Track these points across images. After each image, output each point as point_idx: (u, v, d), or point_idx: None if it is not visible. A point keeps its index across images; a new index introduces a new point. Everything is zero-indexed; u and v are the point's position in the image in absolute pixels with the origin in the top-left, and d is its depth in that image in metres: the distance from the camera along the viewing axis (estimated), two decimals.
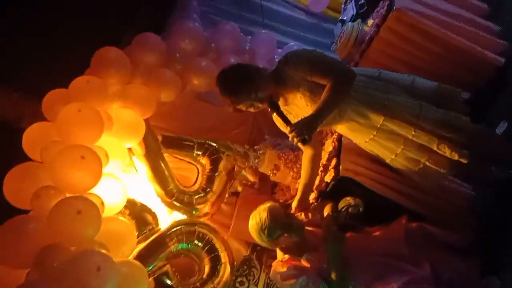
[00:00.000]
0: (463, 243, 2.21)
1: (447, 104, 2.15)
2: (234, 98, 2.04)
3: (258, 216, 2.08)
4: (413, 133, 2.08)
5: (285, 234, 2.06)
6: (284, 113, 2.07)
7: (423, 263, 1.99)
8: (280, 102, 2.13)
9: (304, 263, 2.02)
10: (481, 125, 2.32)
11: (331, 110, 2.01)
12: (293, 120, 2.12)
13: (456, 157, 2.07)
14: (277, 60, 3.40)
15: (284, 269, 2.04)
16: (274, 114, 2.11)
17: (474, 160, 2.11)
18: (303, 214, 2.33)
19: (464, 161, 2.08)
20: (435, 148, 2.09)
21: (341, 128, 2.24)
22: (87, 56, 2.70)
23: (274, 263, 2.15)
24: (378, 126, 2.11)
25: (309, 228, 2.22)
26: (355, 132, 2.20)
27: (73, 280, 1.79)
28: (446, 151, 2.08)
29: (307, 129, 1.91)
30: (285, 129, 2.20)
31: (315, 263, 2.01)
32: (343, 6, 3.86)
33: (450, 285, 1.96)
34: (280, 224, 2.05)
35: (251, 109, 2.10)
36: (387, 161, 2.25)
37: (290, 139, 1.93)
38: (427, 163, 2.15)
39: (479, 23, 2.91)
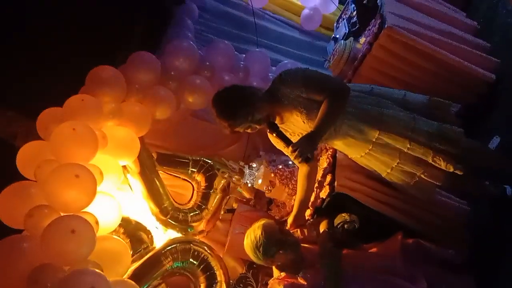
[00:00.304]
0: (458, 259, 2.21)
1: (440, 116, 2.19)
2: (231, 122, 2.04)
3: (253, 234, 2.07)
4: (408, 146, 2.10)
5: (280, 251, 2.05)
6: (277, 124, 2.10)
7: (419, 279, 1.98)
8: (277, 121, 2.15)
9: (301, 280, 2.00)
10: (474, 139, 2.34)
11: (330, 126, 2.03)
12: (290, 137, 2.15)
13: (451, 169, 2.09)
14: (271, 77, 3.45)
15: (281, 287, 2.03)
16: (271, 133, 2.12)
17: (468, 173, 2.13)
18: (298, 230, 2.33)
19: (459, 173, 2.10)
20: (430, 161, 2.11)
21: (336, 144, 2.25)
22: (82, 74, 2.71)
23: (270, 281, 2.13)
24: (374, 140, 2.13)
25: (305, 245, 2.21)
26: (350, 147, 2.21)
27: None
28: (441, 164, 2.10)
29: (309, 148, 1.93)
30: (282, 147, 2.23)
31: (312, 280, 1.99)
32: (335, 24, 3.93)
33: None
34: (275, 241, 2.04)
35: (249, 130, 2.11)
36: (383, 175, 2.26)
37: (292, 159, 1.95)
38: (422, 176, 2.17)
39: (469, 41, 2.97)
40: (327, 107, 1.99)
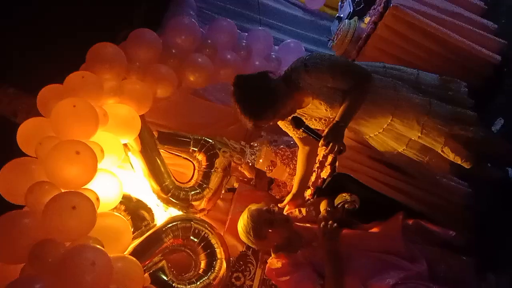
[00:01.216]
0: (459, 241, 2.21)
1: (453, 98, 2.16)
2: (257, 121, 1.96)
3: (242, 222, 2.14)
4: (419, 134, 2.08)
5: (270, 230, 2.07)
6: (301, 118, 2.05)
7: (420, 259, 1.99)
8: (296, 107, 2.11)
9: (300, 258, 2.02)
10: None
11: (354, 114, 2.00)
12: (308, 121, 2.14)
13: (458, 161, 2.08)
14: (274, 57, 3.41)
15: (279, 265, 2.05)
16: (296, 129, 2.10)
17: (475, 160, 2.11)
18: (297, 210, 2.33)
19: (466, 166, 2.08)
20: (439, 151, 2.10)
21: None
22: (82, 51, 2.68)
23: (269, 260, 2.15)
24: (385, 126, 2.11)
25: (305, 224, 2.22)
26: (359, 126, 2.19)
27: (67, 275, 1.79)
28: (450, 155, 2.08)
29: (339, 139, 1.90)
30: (288, 130, 2.24)
31: (310, 258, 2.01)
32: (340, 3, 3.87)
33: (446, 281, 1.96)
34: (263, 221, 2.08)
35: (271, 123, 2.08)
36: (386, 155, 2.26)
37: (325, 152, 1.95)
38: (428, 163, 2.16)
39: (476, 21, 2.92)
40: (353, 97, 1.97)
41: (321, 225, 2.02)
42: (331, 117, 2.11)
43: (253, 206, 2.15)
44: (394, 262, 2.00)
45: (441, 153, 2.10)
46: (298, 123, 2.02)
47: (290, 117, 2.06)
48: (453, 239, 2.20)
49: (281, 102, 1.97)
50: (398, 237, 2.10)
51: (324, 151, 1.92)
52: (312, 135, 1.99)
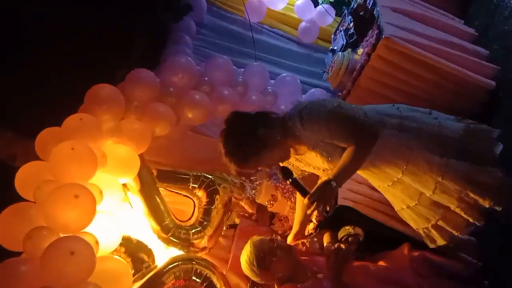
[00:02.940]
0: (468, 272, 2.16)
1: (476, 154, 1.95)
2: (240, 167, 1.88)
3: (245, 253, 2.10)
4: (431, 193, 1.95)
5: (274, 259, 2.03)
6: (295, 164, 1.98)
7: None
8: (292, 152, 1.97)
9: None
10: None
11: (352, 174, 1.85)
12: (304, 168, 2.06)
13: (471, 220, 1.94)
14: (270, 91, 3.45)
15: None
16: (284, 180, 2.00)
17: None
18: (300, 243, 2.30)
19: (479, 223, 1.95)
20: (452, 209, 1.95)
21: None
22: (80, 93, 2.70)
23: None
24: (395, 179, 1.99)
25: (307, 258, 2.19)
26: (368, 176, 2.10)
27: None
28: (463, 215, 1.94)
29: (328, 199, 1.73)
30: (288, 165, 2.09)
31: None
32: (333, 36, 3.94)
33: None
34: (267, 250, 2.04)
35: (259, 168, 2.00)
36: (396, 209, 2.14)
37: (308, 212, 1.76)
38: (438, 223, 2.02)
39: (468, 48, 2.97)
40: (352, 155, 1.78)
41: (335, 247, 1.99)
42: (329, 169, 1.97)
43: (256, 237, 2.11)
44: None
45: (455, 211, 1.96)
46: (286, 174, 1.89)
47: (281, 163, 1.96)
48: (461, 271, 2.15)
49: (267, 153, 1.85)
50: (407, 269, 2.06)
51: (308, 209, 1.75)
52: (298, 190, 1.88)
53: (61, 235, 2.02)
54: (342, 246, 2.07)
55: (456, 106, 2.85)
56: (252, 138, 1.82)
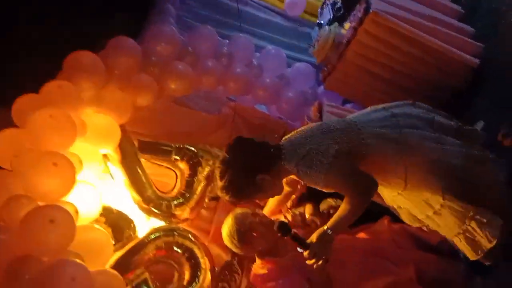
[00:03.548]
0: (446, 245, 2.21)
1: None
2: (233, 200, 1.90)
3: (226, 226, 2.13)
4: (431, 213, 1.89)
5: (255, 234, 2.05)
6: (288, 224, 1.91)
7: (408, 264, 1.98)
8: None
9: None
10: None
11: (349, 224, 1.88)
12: None
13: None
14: (255, 64, 3.40)
15: (264, 271, 2.02)
16: (282, 236, 1.90)
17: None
18: (282, 216, 2.32)
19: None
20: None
21: None
22: (60, 60, 2.62)
23: (253, 266, 2.12)
24: (399, 191, 1.94)
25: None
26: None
27: None
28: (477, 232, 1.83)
29: (326, 250, 1.78)
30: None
31: (297, 262, 1.99)
32: (319, 10, 3.88)
33: (434, 285, 1.96)
34: (248, 224, 2.07)
35: None
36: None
37: (308, 263, 1.79)
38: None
39: (454, 25, 2.96)
40: (350, 207, 1.79)
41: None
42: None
43: (238, 210, 2.12)
44: (383, 266, 2.00)
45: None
46: (284, 230, 1.84)
47: (277, 220, 1.99)
48: (439, 243, 2.20)
49: (262, 195, 1.92)
50: (387, 242, 2.10)
51: (308, 261, 1.79)
52: (298, 243, 1.84)
53: (40, 204, 1.99)
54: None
55: (439, 82, 2.86)
56: (250, 182, 1.84)
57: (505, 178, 1.89)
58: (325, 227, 1.79)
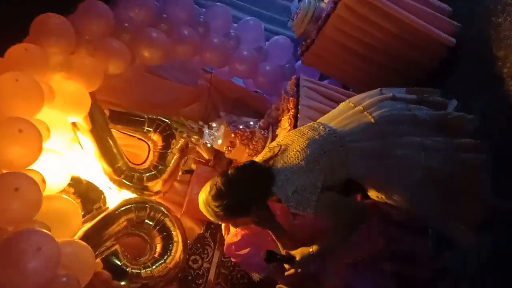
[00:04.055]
0: (415, 222, 2.25)
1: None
2: (220, 218, 1.86)
3: (203, 191, 2.03)
4: None
5: None
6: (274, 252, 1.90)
7: (378, 239, 2.01)
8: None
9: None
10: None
11: (335, 250, 1.92)
12: None
13: None
14: (233, 34, 3.32)
15: (238, 238, 2.02)
16: (268, 263, 1.91)
17: None
18: None
19: None
20: None
21: None
22: (25, 23, 2.48)
23: (227, 237, 2.11)
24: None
25: None
26: None
27: (10, 262, 1.66)
28: None
29: (306, 268, 1.89)
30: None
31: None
32: None
33: (403, 258, 2.00)
34: None
35: None
36: None
37: (285, 273, 1.86)
38: None
39: (432, 3, 2.95)
40: (334, 238, 1.84)
41: None
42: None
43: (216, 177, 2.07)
44: (354, 241, 2.02)
45: None
46: (270, 258, 1.86)
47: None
48: (408, 220, 2.24)
49: (250, 221, 1.92)
50: None
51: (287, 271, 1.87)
52: (287, 263, 1.88)
53: (4, 172, 1.90)
54: None
55: (415, 60, 2.87)
56: (243, 210, 1.84)
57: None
58: (310, 250, 1.83)
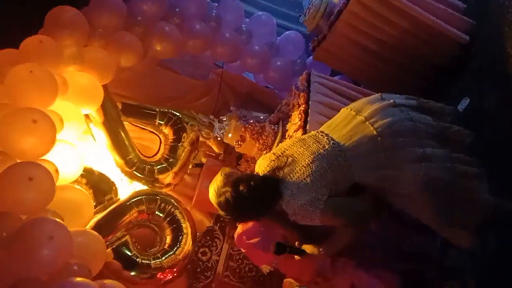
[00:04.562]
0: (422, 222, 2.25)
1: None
2: (230, 219, 2.02)
3: (215, 183, 2.04)
4: None
5: None
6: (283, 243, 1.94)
7: (387, 237, 2.02)
8: None
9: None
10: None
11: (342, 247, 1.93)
12: None
13: None
14: (245, 29, 3.32)
15: (249, 225, 2.04)
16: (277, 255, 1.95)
17: None
18: None
19: None
20: None
21: None
22: (40, 15, 2.51)
23: (237, 229, 2.14)
24: None
25: None
26: None
27: (23, 250, 1.69)
28: None
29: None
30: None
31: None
32: None
33: (412, 258, 2.01)
34: None
35: None
36: None
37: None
38: None
39: (446, 0, 2.92)
40: (343, 235, 1.87)
41: None
42: None
43: (227, 169, 2.08)
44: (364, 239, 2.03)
45: None
46: (280, 249, 1.89)
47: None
48: (418, 220, 2.24)
49: (259, 218, 1.97)
50: None
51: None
52: (296, 254, 1.95)
53: (18, 161, 1.93)
54: None
55: (427, 57, 2.85)
56: (248, 219, 1.98)
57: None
58: (320, 249, 1.91)
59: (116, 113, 2.73)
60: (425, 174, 1.84)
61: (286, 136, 2.61)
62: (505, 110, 2.34)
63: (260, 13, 3.54)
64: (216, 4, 3.26)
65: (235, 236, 2.14)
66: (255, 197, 1.82)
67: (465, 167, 1.93)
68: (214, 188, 1.97)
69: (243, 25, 3.33)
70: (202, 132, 2.95)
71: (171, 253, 2.55)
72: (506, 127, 2.30)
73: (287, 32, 3.60)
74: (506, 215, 1.98)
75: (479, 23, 2.82)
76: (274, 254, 1.90)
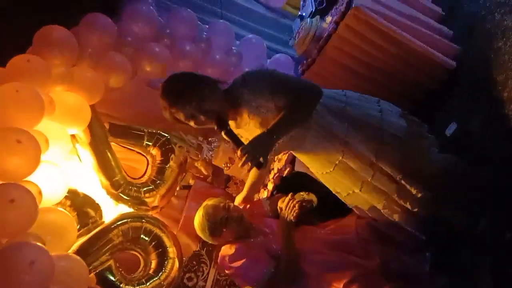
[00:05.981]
0: (412, 242, 2.23)
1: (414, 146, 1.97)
2: (171, 101, 1.75)
3: (198, 218, 2.08)
4: (372, 175, 1.91)
5: (224, 230, 2.04)
6: (226, 121, 1.79)
7: (372, 256, 2.00)
8: (231, 124, 1.85)
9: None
10: (451, 155, 2.06)
11: (289, 129, 1.77)
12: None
13: (415, 209, 1.93)
14: (235, 52, 3.34)
15: (232, 251, 2.01)
16: (218, 131, 1.78)
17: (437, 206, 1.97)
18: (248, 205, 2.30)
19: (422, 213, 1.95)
20: (394, 197, 1.94)
21: (299, 155, 2.09)
22: (29, 34, 2.49)
23: (222, 248, 2.10)
24: (337, 162, 1.94)
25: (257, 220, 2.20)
26: (312, 162, 2.05)
27: (3, 276, 1.63)
28: (406, 204, 1.93)
29: (262, 151, 1.64)
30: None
31: (265, 246, 2.02)
32: (302, 2, 3.85)
33: (398, 277, 1.98)
34: (219, 220, 2.04)
35: (192, 123, 1.79)
36: (340, 197, 2.14)
37: (240, 165, 1.64)
38: (383, 211, 2.02)
39: (433, 27, 2.98)
40: (290, 107, 1.72)
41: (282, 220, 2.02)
42: None
43: (210, 201, 2.08)
44: (348, 258, 2.01)
45: (397, 199, 1.95)
46: (221, 124, 1.74)
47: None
48: (405, 240, 2.22)
49: (205, 92, 1.76)
50: (352, 235, 2.10)
51: (240, 161, 1.64)
52: (233, 142, 1.74)
53: (1, 182, 1.88)
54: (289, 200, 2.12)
55: (414, 82, 2.88)
56: (192, 78, 1.81)
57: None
58: (266, 129, 1.72)
59: (103, 134, 2.69)
60: (378, 124, 1.90)
61: (275, 160, 2.60)
62: (489, 130, 2.37)
63: (250, 35, 3.57)
64: (207, 26, 3.27)
65: (219, 258, 2.11)
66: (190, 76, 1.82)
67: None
68: (198, 224, 2.07)
69: (233, 47, 3.35)
70: (191, 154, 2.93)
71: (156, 278, 2.49)
72: (489, 146, 2.33)
73: (277, 55, 3.62)
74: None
75: (465, 49, 2.87)
76: (217, 128, 1.76)
